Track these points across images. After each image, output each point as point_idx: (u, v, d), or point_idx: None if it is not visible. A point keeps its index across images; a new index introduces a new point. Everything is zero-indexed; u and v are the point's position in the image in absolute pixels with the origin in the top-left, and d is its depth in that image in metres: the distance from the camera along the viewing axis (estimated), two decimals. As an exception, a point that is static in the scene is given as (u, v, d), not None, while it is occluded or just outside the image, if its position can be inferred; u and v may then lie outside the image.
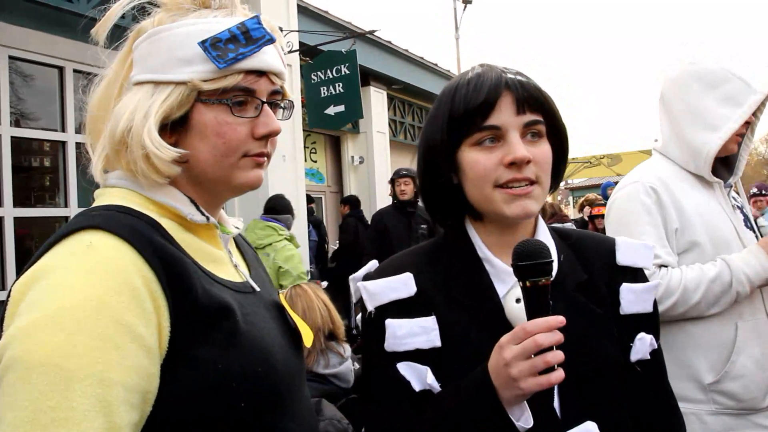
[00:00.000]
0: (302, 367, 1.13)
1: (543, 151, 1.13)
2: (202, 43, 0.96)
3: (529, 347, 0.94)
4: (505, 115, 1.10)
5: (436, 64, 11.14)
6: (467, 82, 1.15)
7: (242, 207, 6.15)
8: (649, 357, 1.19)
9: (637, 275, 1.23)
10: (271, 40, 1.00)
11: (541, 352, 0.94)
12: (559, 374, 0.95)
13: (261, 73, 1.01)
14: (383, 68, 9.42)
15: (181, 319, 0.87)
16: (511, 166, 1.09)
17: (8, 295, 0.86)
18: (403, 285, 1.15)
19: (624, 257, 1.22)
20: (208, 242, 1.04)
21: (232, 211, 5.94)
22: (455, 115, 1.13)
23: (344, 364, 2.60)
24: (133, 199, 0.98)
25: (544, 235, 1.21)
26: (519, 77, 1.14)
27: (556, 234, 1.25)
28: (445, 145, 1.16)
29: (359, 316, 1.24)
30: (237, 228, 1.16)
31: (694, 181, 2.05)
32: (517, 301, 1.08)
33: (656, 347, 1.21)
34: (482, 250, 1.18)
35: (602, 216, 7.38)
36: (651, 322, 1.22)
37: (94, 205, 0.99)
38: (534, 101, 1.12)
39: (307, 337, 1.13)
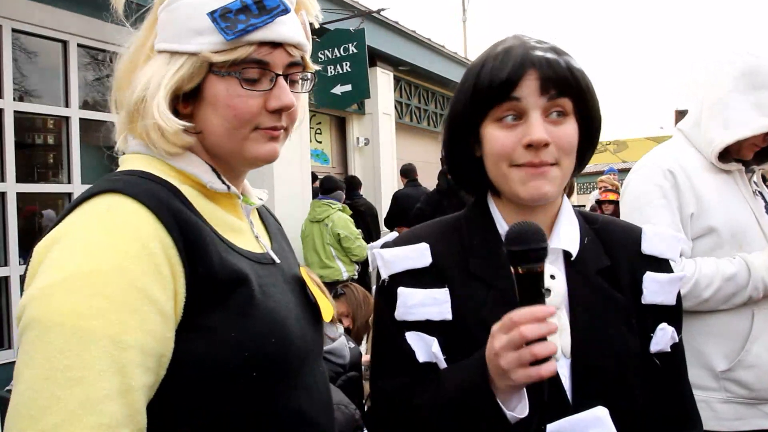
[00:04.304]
0: (320, 342, 1.12)
1: (566, 132, 1.09)
2: (211, 14, 0.94)
3: (515, 339, 0.91)
4: (527, 93, 1.07)
5: (443, 46, 11.03)
6: (495, 57, 1.12)
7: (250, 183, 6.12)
8: (669, 350, 1.16)
9: (662, 265, 1.19)
10: (286, 11, 0.97)
11: (532, 343, 0.91)
12: (550, 367, 0.91)
13: (276, 45, 0.98)
14: (390, 49, 9.32)
15: (196, 286, 0.87)
16: (529, 148, 1.06)
17: (29, 257, 0.88)
18: (418, 254, 1.14)
19: (649, 246, 1.19)
20: (228, 212, 1.03)
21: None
22: (480, 88, 1.11)
23: (338, 340, 2.66)
24: (155, 165, 0.98)
25: (568, 216, 1.18)
26: (548, 54, 1.09)
27: (582, 217, 1.22)
28: (469, 117, 1.14)
29: (374, 286, 1.24)
30: (260, 199, 1.16)
31: (712, 166, 2.00)
32: None
33: (677, 341, 1.18)
34: (503, 226, 1.16)
35: (609, 201, 7.34)
36: (674, 314, 1.18)
37: (117, 170, 0.99)
38: (560, 81, 1.08)
39: (327, 312, 1.12)
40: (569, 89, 1.09)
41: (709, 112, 2.00)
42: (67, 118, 5.14)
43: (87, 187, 0.96)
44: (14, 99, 4.77)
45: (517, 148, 1.08)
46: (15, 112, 4.74)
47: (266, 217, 1.23)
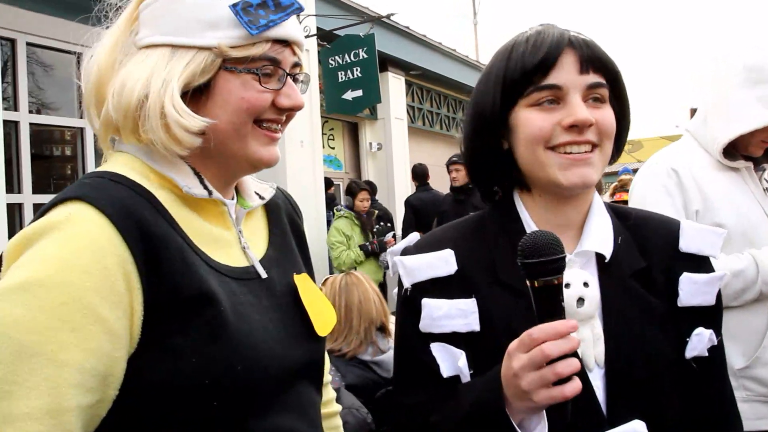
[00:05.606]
0: (314, 357, 1.05)
1: (606, 115, 1.04)
2: (234, 7, 0.90)
3: (536, 358, 0.85)
4: (566, 74, 1.02)
5: (454, 50, 11.03)
6: (525, 40, 1.06)
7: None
8: (707, 354, 1.08)
9: (701, 264, 1.12)
10: (300, 9, 0.96)
11: (554, 361, 0.85)
12: (574, 386, 0.85)
13: (286, 44, 0.96)
14: (401, 54, 9.33)
15: (157, 303, 0.83)
16: (571, 129, 1.01)
17: None
18: (443, 262, 1.07)
19: (688, 244, 1.12)
20: (211, 221, 0.97)
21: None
22: (511, 74, 1.05)
23: (387, 353, 2.56)
24: (135, 167, 0.92)
25: (600, 214, 1.11)
26: (583, 36, 1.06)
27: (614, 213, 1.14)
28: (498, 106, 1.07)
29: (395, 291, 1.17)
30: (262, 198, 1.09)
31: (719, 164, 1.98)
32: (566, 286, 0.97)
33: (716, 344, 1.11)
34: (530, 226, 1.09)
35: (624, 202, 7.27)
36: (712, 316, 1.11)
37: (95, 170, 0.95)
38: (598, 61, 1.04)
39: (323, 327, 1.04)
40: (605, 69, 1.04)
41: (714, 108, 1.98)
42: (81, 129, 5.20)
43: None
44: (30, 111, 4.84)
45: (555, 129, 1.01)
46: (31, 124, 4.81)
47: (276, 211, 1.14)
